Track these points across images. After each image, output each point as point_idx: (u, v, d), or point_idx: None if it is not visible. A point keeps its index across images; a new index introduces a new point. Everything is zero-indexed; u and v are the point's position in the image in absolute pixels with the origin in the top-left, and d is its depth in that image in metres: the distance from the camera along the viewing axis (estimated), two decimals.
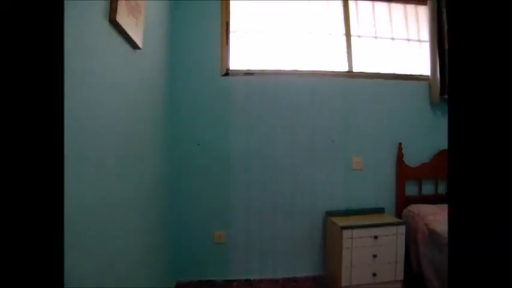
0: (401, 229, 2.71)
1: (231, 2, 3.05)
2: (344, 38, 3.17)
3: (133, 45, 1.74)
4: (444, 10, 3.08)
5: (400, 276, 2.70)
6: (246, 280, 2.90)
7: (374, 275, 2.63)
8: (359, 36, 3.20)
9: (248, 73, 2.98)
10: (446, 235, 2.37)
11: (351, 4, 3.20)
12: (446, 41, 3.07)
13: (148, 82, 2.13)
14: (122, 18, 1.49)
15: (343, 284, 2.61)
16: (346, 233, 2.61)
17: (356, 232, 2.62)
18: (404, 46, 3.30)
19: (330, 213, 2.94)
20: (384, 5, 3.28)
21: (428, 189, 3.13)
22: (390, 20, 3.29)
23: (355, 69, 3.15)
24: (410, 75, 3.24)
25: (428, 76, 3.17)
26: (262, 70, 3.01)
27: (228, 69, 2.96)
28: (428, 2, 3.14)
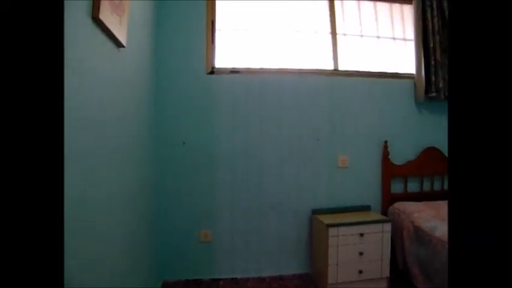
0: (387, 226, 2.72)
1: (216, 0, 3.03)
2: (330, 36, 3.17)
3: (118, 44, 1.72)
4: (429, 10, 3.11)
5: (386, 273, 2.71)
6: (232, 279, 2.90)
7: (360, 272, 2.65)
8: (345, 35, 3.21)
9: (234, 71, 2.97)
10: (431, 232, 2.41)
11: (337, 3, 3.20)
12: (431, 40, 3.10)
13: (133, 80, 2.11)
14: (105, 16, 1.47)
15: (330, 281, 2.62)
16: (332, 231, 2.61)
17: (342, 230, 2.63)
18: (389, 44, 3.32)
19: (315, 211, 2.95)
20: (370, 3, 3.30)
21: (413, 186, 3.16)
22: (376, 19, 3.30)
23: (340, 68, 3.15)
24: (396, 73, 3.26)
25: (413, 74, 3.19)
26: (247, 68, 3.00)
27: (213, 68, 2.95)
28: (413, 1, 3.16)
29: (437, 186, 3.20)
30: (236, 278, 2.91)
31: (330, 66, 3.15)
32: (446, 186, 3.22)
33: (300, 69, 3.08)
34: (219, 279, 2.89)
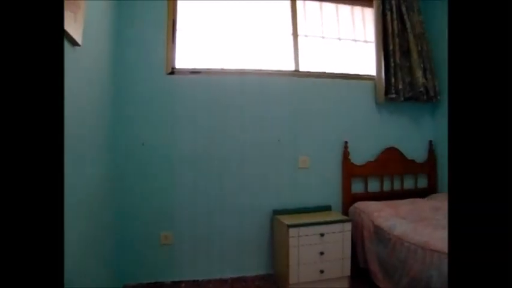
0: (348, 226, 2.75)
1: (178, 0, 3.00)
2: (291, 37, 3.19)
3: (72, 42, 1.66)
4: (389, 13, 3.17)
5: (347, 272, 2.74)
6: (194, 281, 2.86)
7: (321, 272, 2.66)
8: (306, 36, 3.23)
9: (194, 72, 2.94)
10: (390, 231, 2.47)
11: (299, 4, 3.22)
12: (391, 43, 3.16)
13: (90, 80, 2.06)
14: None
15: (291, 281, 2.62)
16: (293, 231, 2.62)
17: (302, 230, 2.64)
18: (350, 46, 3.37)
19: (277, 212, 2.96)
20: (332, 5, 3.33)
21: (374, 186, 3.22)
22: (337, 21, 3.35)
23: (302, 69, 3.17)
24: (357, 75, 3.31)
25: (373, 76, 3.24)
26: (208, 69, 2.98)
27: (173, 68, 2.91)
28: (374, 4, 3.22)
29: (397, 185, 3.27)
30: (198, 280, 2.87)
31: (291, 67, 3.16)
32: (405, 186, 3.30)
33: (261, 70, 3.08)
34: (181, 282, 2.85)
